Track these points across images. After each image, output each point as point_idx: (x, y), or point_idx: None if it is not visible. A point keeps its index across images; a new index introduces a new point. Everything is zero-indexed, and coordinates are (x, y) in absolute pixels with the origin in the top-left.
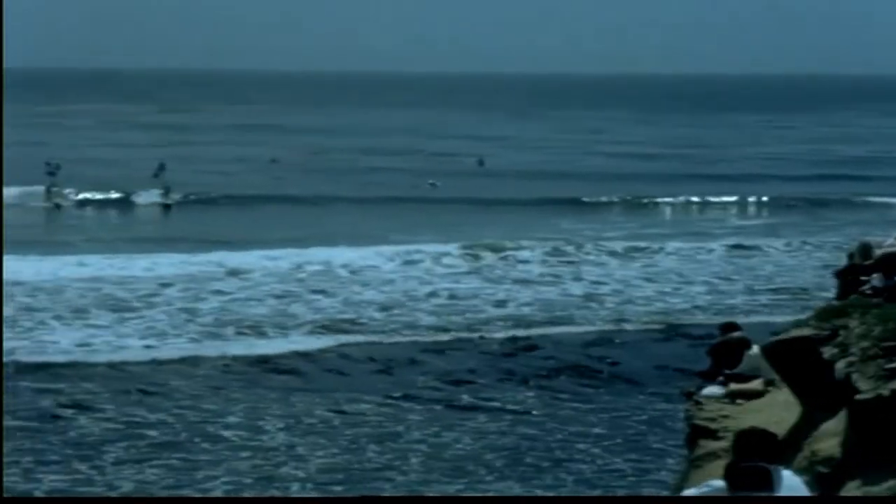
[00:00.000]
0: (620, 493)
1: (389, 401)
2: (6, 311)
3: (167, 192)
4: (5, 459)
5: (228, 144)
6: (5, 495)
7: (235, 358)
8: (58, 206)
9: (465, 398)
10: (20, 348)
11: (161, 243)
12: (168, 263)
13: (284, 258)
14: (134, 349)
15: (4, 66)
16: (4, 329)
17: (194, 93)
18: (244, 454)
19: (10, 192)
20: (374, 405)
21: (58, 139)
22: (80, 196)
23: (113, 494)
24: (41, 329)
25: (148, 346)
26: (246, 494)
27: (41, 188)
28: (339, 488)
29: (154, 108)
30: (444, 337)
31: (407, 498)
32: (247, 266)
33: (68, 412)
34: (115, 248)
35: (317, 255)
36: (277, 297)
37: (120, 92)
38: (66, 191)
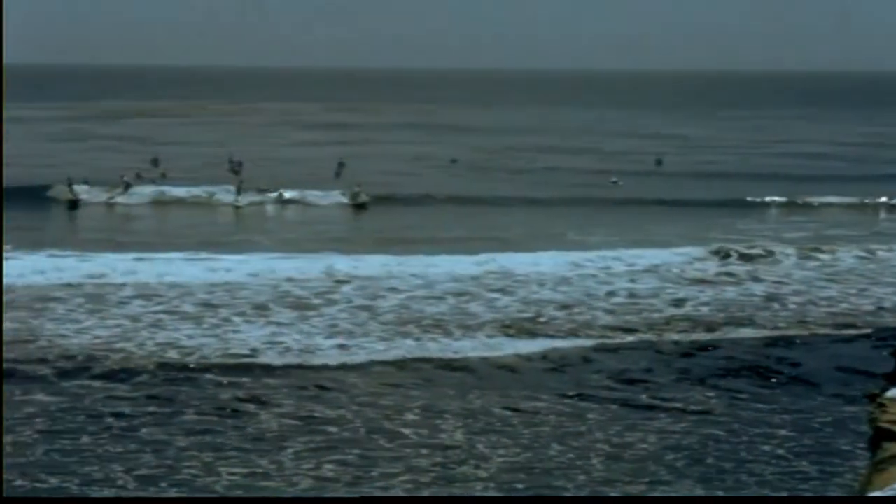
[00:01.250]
0: (806, 495)
1: (565, 399)
2: (189, 308)
3: (357, 192)
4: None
5: (405, 143)
6: (5, 495)
7: (412, 355)
8: (238, 207)
9: (643, 398)
10: (206, 345)
11: (342, 242)
12: (346, 261)
13: (464, 257)
14: (312, 346)
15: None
16: (191, 325)
17: (361, 91)
18: (423, 451)
19: (196, 190)
20: (550, 404)
21: (236, 137)
22: (265, 194)
23: (291, 490)
24: (226, 326)
25: (330, 345)
26: (424, 493)
27: (231, 187)
28: (520, 486)
29: (321, 106)
30: (620, 336)
31: (407, 498)
32: (427, 264)
33: (249, 407)
34: (297, 246)
35: (497, 255)
36: (456, 295)
37: (285, 90)
38: (251, 189)
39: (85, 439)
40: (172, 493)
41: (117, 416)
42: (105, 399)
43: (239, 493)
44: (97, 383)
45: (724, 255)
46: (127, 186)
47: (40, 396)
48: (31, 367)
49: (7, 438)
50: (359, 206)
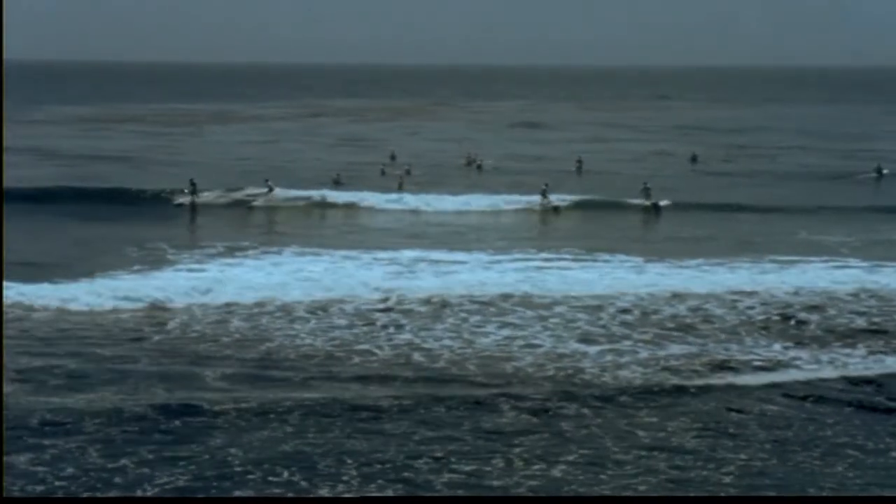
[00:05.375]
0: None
1: (795, 402)
2: (419, 308)
3: (648, 194)
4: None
5: (633, 141)
6: (5, 495)
7: (659, 356)
8: (556, 210)
9: (878, 400)
10: (448, 346)
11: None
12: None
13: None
14: (562, 346)
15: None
16: (426, 323)
17: (550, 89)
18: (657, 454)
19: (506, 199)
20: (781, 406)
21: (459, 135)
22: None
23: (520, 490)
24: (464, 325)
25: (580, 343)
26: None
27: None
28: (771, 493)
29: (521, 104)
30: (859, 337)
31: (407, 498)
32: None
33: (489, 403)
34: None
35: (746, 258)
36: (696, 297)
37: (474, 88)
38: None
39: (333, 434)
40: (389, 492)
41: (366, 409)
42: (357, 395)
43: (461, 492)
44: (351, 384)
45: None
46: (270, 190)
47: (297, 394)
48: (277, 367)
49: (262, 434)
50: (655, 208)
